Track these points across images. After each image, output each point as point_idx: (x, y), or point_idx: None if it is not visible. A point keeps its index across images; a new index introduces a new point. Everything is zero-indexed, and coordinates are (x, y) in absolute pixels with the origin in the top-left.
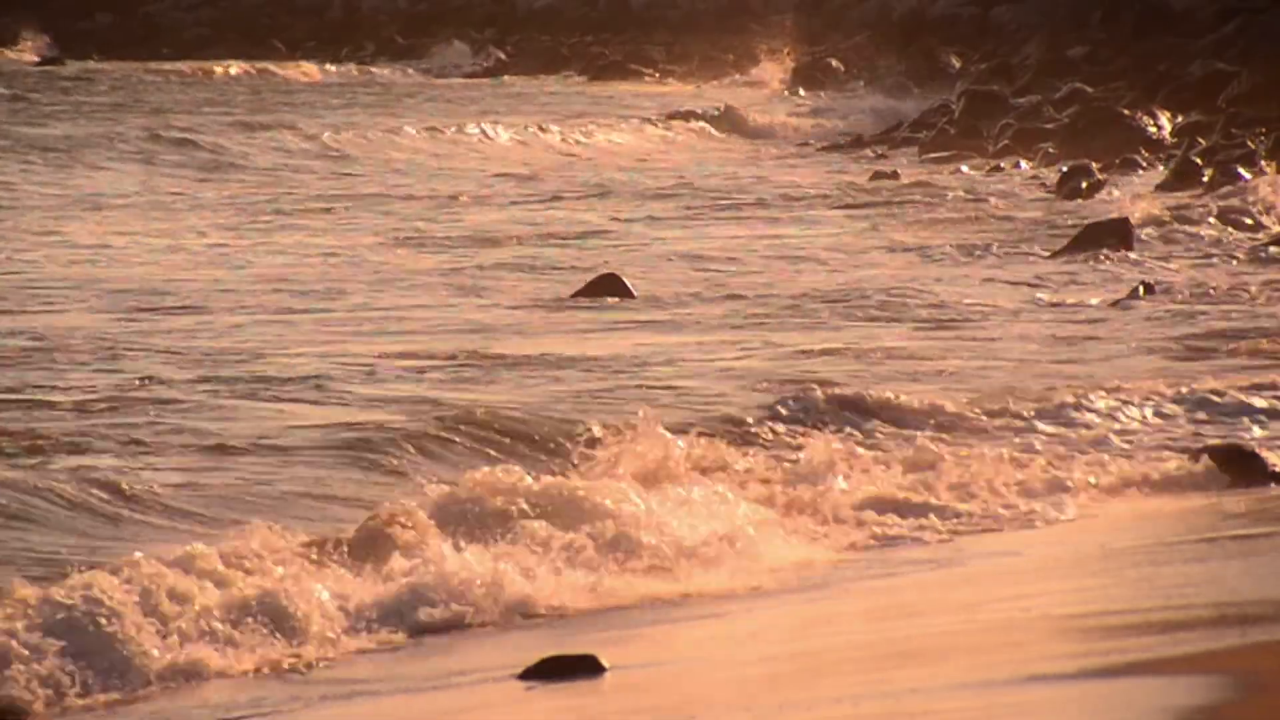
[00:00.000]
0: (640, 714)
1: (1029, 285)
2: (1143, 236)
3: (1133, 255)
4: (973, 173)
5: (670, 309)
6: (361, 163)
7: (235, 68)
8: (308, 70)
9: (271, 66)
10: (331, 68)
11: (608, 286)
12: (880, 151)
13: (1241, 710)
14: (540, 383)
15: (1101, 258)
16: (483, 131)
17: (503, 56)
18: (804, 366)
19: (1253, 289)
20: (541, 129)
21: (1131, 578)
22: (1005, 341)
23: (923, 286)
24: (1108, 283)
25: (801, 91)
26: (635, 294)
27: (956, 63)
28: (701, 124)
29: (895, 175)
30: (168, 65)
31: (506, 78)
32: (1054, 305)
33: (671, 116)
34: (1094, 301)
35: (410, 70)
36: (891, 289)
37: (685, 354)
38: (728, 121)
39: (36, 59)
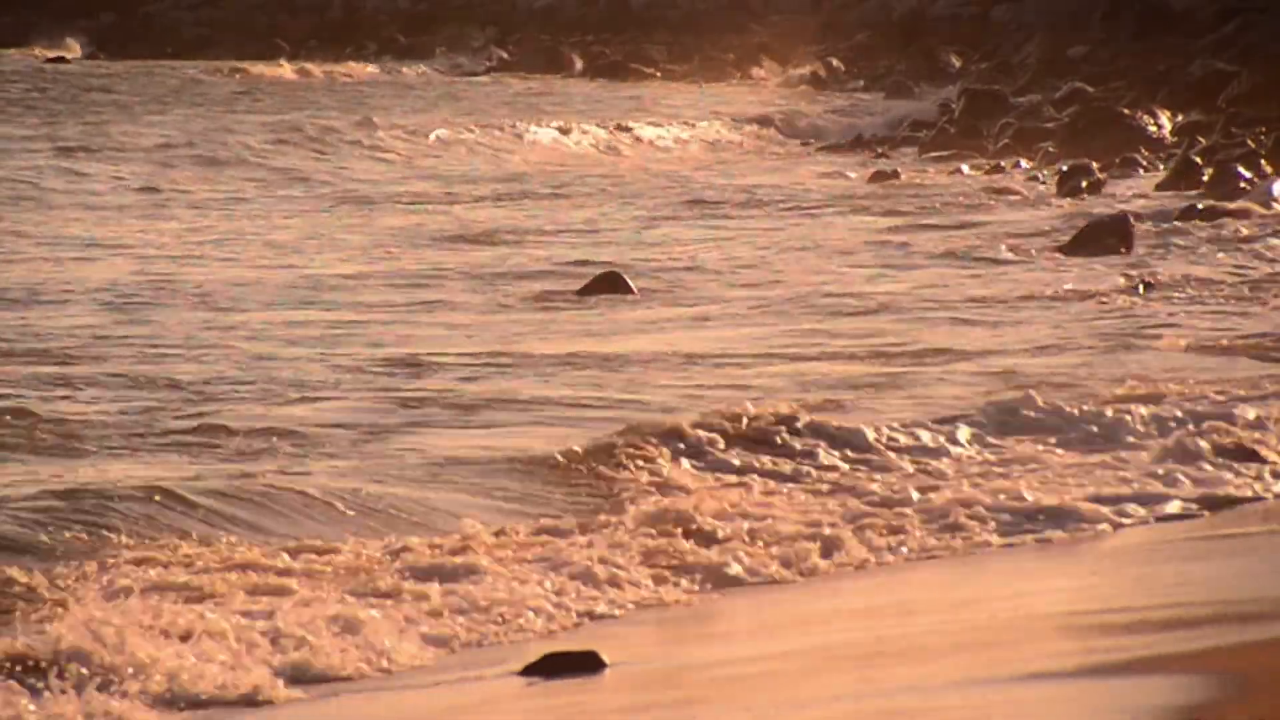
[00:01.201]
0: (640, 711)
1: (1033, 282)
2: (1143, 235)
3: (1133, 253)
4: (973, 172)
5: (685, 307)
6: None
7: (288, 68)
8: (354, 69)
9: (313, 66)
10: (372, 68)
11: (609, 284)
12: (881, 150)
13: (1237, 710)
14: (598, 381)
15: (1102, 255)
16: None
17: (505, 55)
18: (862, 368)
19: (1255, 286)
20: (622, 129)
21: (1130, 576)
22: (1033, 336)
23: (930, 284)
24: (1110, 280)
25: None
26: (635, 290)
27: (957, 62)
28: (753, 126)
29: (896, 175)
30: (196, 64)
31: (515, 76)
32: (1059, 302)
33: (752, 120)
34: (1097, 298)
35: (429, 69)
36: (900, 289)
37: (720, 352)
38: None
39: (79, 56)
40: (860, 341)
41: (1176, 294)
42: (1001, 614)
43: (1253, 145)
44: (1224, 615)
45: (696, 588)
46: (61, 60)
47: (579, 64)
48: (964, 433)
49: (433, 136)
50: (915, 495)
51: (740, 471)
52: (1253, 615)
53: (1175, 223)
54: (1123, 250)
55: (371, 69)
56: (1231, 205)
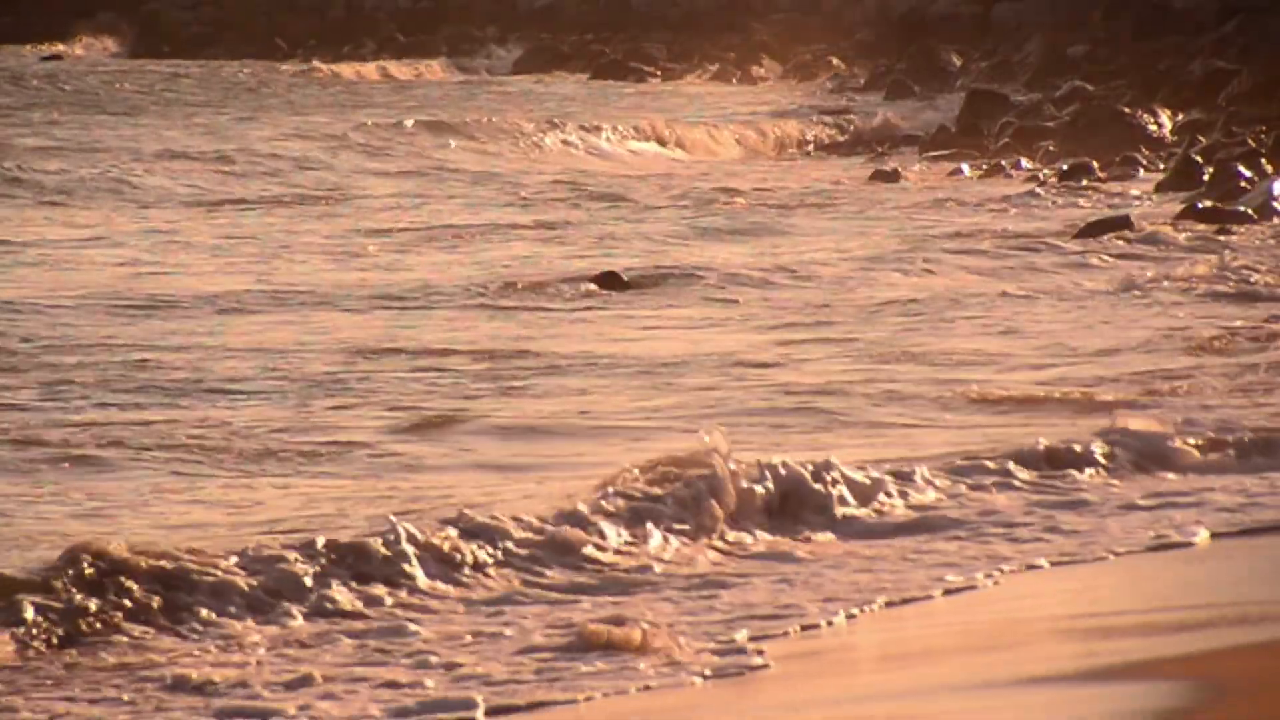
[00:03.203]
0: (635, 714)
1: (1034, 282)
2: (1143, 233)
3: (1133, 250)
4: (972, 173)
5: (695, 306)
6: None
7: (371, 68)
8: (423, 69)
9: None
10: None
11: (607, 284)
12: (881, 150)
13: (1217, 715)
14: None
15: (1103, 252)
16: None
17: (504, 54)
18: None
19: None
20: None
21: (1129, 578)
22: (1043, 339)
23: (935, 285)
24: (1111, 278)
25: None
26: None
27: (957, 61)
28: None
29: (895, 175)
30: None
31: (542, 76)
32: (1062, 302)
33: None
34: (1103, 293)
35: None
36: (907, 289)
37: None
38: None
39: (117, 53)
40: (869, 343)
41: (1177, 292)
42: (1000, 616)
43: (1253, 144)
44: (1207, 621)
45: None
46: (56, 58)
47: (577, 63)
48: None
49: (572, 138)
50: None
51: None
52: (1234, 620)
53: (1175, 221)
54: (1124, 249)
55: (439, 69)
56: (1231, 205)
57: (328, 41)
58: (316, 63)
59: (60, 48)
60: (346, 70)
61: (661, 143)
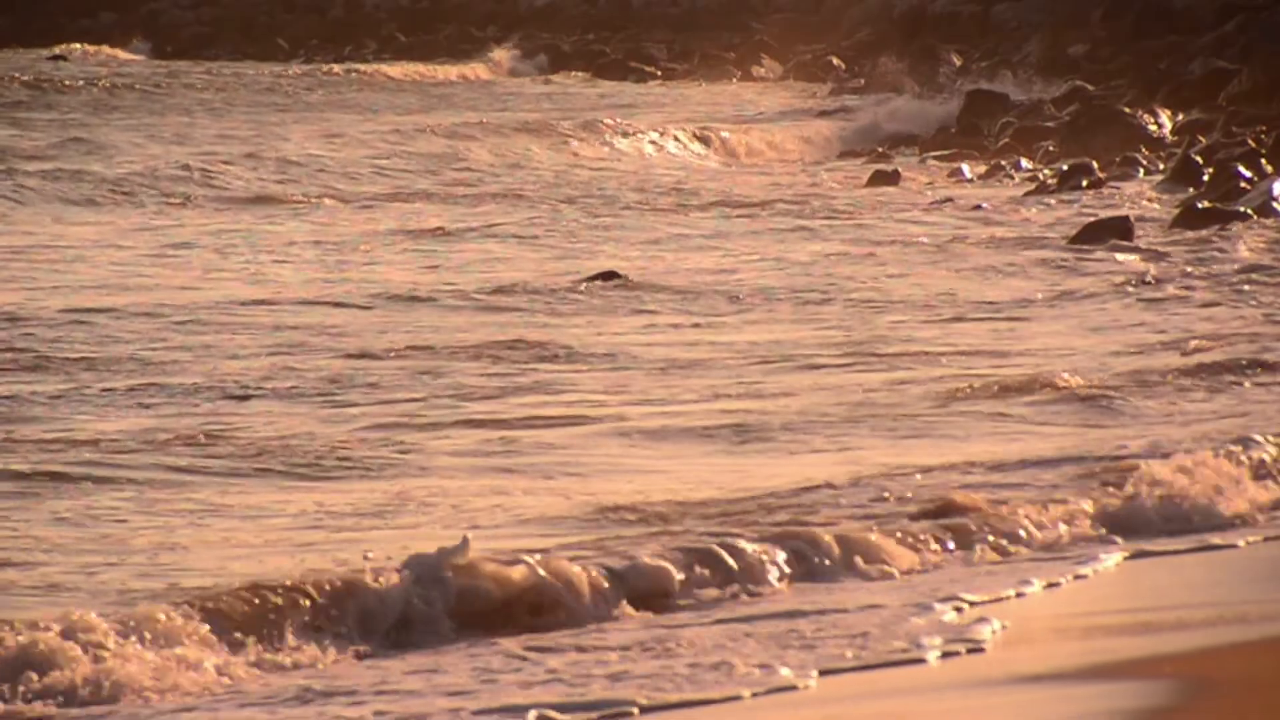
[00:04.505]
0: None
1: (1037, 283)
2: (1143, 234)
3: (1134, 251)
4: (972, 173)
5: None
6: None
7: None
8: (477, 70)
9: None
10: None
11: (607, 282)
12: (881, 150)
13: (1203, 714)
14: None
15: (1104, 253)
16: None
17: (502, 53)
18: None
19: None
20: None
21: (1123, 577)
22: (1050, 341)
23: (937, 287)
24: (1111, 280)
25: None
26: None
27: (957, 61)
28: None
29: (896, 176)
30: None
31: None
32: (1072, 298)
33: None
34: (1102, 293)
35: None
36: (909, 291)
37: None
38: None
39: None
40: (873, 340)
41: (1178, 293)
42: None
43: (1253, 144)
44: (1204, 620)
45: None
46: (61, 59)
47: (577, 63)
48: None
49: (651, 142)
50: None
51: None
52: (1231, 619)
53: (1175, 222)
54: (1123, 250)
55: (480, 69)
56: (1231, 205)
57: (328, 41)
58: (358, 65)
59: (76, 48)
60: (395, 71)
61: (679, 143)
